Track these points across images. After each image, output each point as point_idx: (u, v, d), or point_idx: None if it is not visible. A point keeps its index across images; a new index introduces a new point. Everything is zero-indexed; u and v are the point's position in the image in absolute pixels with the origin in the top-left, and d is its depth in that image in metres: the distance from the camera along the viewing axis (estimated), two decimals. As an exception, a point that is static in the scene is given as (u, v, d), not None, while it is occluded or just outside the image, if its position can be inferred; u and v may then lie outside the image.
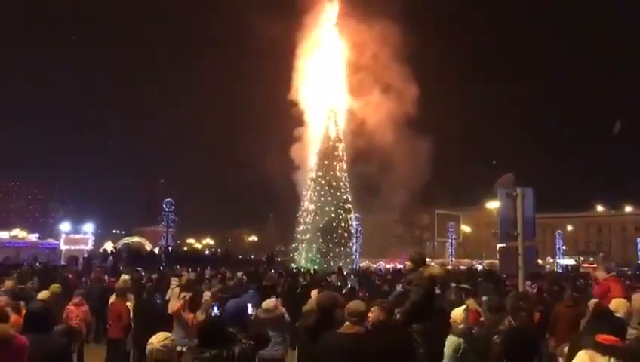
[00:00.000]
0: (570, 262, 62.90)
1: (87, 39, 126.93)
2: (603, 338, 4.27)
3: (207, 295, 9.71)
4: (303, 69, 44.14)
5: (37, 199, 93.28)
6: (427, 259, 7.93)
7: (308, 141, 43.74)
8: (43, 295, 8.95)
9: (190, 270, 20.05)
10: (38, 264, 26.49)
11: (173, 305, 10.02)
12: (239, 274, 19.47)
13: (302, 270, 28.61)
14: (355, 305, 4.80)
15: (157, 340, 4.32)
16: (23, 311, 5.55)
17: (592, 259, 68.18)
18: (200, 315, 8.56)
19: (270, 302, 7.42)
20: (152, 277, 16.47)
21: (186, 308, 8.57)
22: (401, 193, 47.21)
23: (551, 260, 63.78)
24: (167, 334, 5.36)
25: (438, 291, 6.90)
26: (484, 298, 7.48)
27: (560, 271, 49.45)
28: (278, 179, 45.20)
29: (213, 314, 10.14)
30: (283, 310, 7.72)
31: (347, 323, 4.68)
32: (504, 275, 16.48)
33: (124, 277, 12.82)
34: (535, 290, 11.45)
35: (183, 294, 9.21)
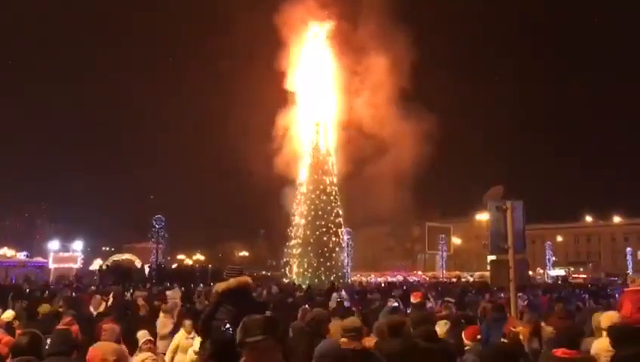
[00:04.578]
0: (561, 272, 63.23)
1: (65, 54, 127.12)
2: (559, 351, 4.54)
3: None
4: (291, 76, 44.11)
5: (25, 217, 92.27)
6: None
7: (298, 155, 43.79)
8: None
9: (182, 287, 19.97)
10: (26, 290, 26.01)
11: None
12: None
13: (295, 285, 28.53)
14: (350, 321, 4.79)
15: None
16: (17, 332, 5.51)
17: (581, 269, 68.64)
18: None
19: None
20: (141, 295, 16.39)
21: None
22: (392, 205, 47.27)
23: (541, 271, 64.08)
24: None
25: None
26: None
27: (550, 281, 49.74)
28: (269, 193, 45.18)
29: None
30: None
31: (343, 339, 4.62)
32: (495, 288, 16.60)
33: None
34: (525, 303, 11.53)
35: None
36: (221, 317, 5.65)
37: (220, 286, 5.91)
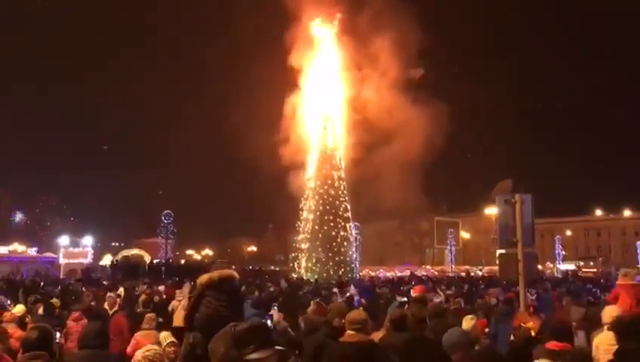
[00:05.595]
0: (571, 266, 62.87)
1: (69, 49, 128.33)
2: (551, 344, 4.61)
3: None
4: (298, 72, 43.90)
5: (35, 213, 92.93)
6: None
7: (305, 145, 43.58)
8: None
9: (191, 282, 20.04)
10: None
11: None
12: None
13: (303, 279, 28.60)
14: (355, 313, 4.81)
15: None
16: (29, 326, 5.54)
17: (591, 263, 68.20)
18: None
19: (274, 316, 7.40)
20: (144, 290, 16.49)
21: None
22: (399, 197, 46.96)
23: (551, 265, 63.75)
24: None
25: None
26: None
27: (560, 276, 49.48)
28: (277, 188, 45.14)
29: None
30: (285, 324, 7.70)
31: (349, 331, 4.66)
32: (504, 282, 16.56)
33: (121, 291, 12.86)
34: (534, 297, 11.49)
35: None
36: (204, 310, 5.66)
37: (203, 278, 5.93)
